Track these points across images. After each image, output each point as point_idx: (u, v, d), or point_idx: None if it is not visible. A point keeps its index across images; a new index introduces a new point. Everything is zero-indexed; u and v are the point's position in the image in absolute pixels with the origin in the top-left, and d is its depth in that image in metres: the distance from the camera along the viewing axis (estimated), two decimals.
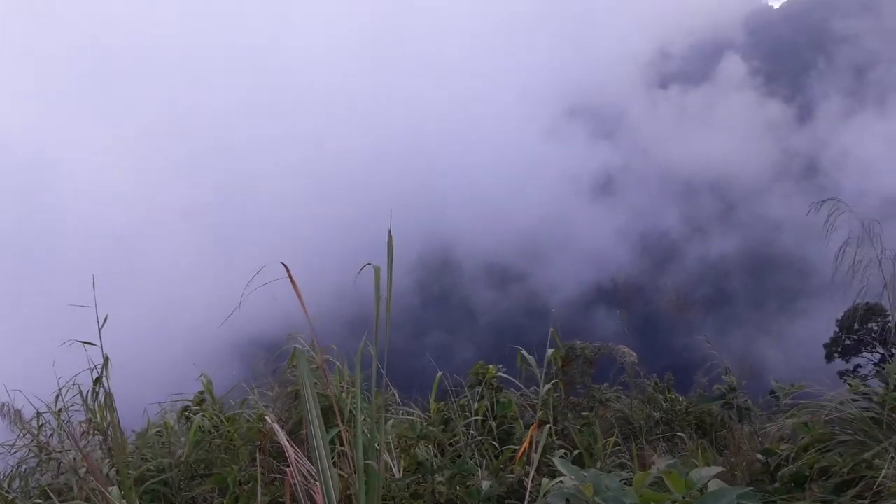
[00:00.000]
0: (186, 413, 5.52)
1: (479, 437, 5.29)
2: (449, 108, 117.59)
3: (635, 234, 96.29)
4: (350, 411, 4.30)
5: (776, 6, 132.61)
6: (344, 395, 4.67)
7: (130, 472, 4.69)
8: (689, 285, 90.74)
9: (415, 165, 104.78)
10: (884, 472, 3.46)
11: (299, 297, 2.86)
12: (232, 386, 5.63)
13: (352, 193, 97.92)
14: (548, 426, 4.61)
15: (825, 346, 37.18)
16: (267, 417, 3.76)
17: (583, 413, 5.75)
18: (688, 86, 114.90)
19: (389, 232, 2.94)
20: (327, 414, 4.19)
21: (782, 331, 74.01)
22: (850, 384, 4.52)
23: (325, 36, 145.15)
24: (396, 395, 5.95)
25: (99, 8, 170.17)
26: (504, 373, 5.74)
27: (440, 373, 5.64)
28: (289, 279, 2.84)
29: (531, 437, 4.28)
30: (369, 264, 2.90)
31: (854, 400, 4.21)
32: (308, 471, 2.68)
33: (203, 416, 5.15)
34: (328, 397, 4.29)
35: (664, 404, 6.64)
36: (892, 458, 3.54)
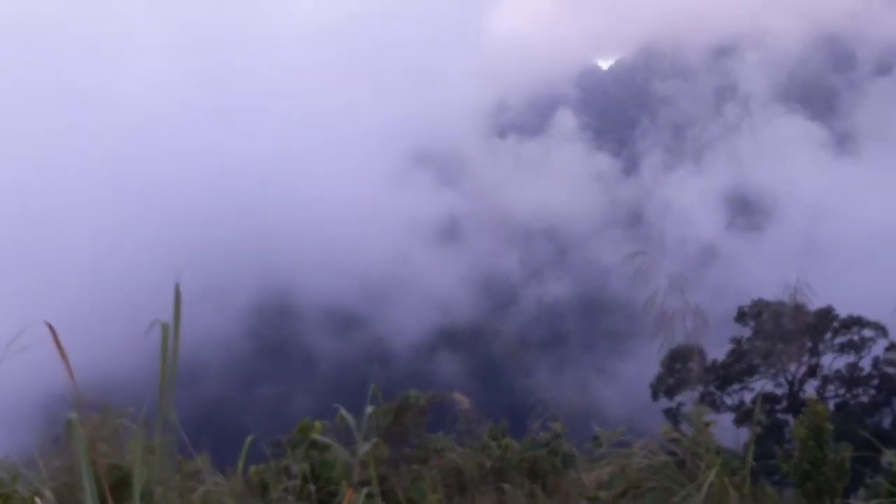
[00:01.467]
0: None
1: None
2: (290, 153, 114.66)
3: (477, 278, 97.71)
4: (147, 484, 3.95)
5: (605, 67, 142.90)
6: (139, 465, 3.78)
7: None
8: (527, 327, 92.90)
9: (252, 210, 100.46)
10: None
11: (64, 358, 2.64)
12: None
13: (179, 239, 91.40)
14: (366, 488, 4.41)
15: (651, 385, 38.04)
16: (40, 496, 3.55)
17: (414, 466, 5.67)
18: (524, 136, 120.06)
19: (177, 288, 2.63)
20: (120, 487, 3.77)
21: (614, 370, 77.06)
22: (663, 429, 4.79)
23: (155, 69, 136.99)
24: (207, 461, 5.50)
25: None
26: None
27: (251, 437, 5.19)
28: (54, 340, 2.61)
29: (348, 501, 4.18)
30: (158, 321, 2.59)
31: (671, 441, 4.50)
32: None
33: None
34: (121, 468, 3.94)
35: (497, 451, 6.63)
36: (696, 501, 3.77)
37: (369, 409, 5.39)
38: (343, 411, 5.42)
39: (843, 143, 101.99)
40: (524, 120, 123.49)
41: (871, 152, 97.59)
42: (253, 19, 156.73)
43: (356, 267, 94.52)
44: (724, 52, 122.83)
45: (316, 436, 5.56)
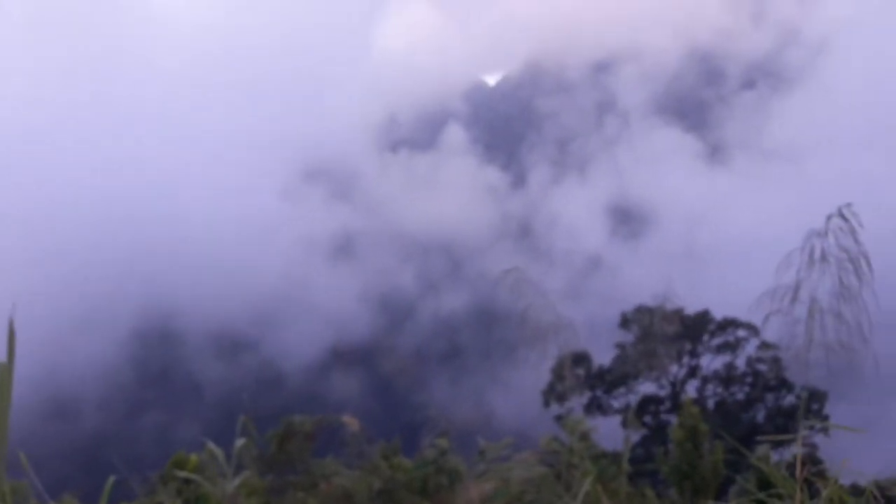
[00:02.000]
0: None
1: None
2: (174, 170, 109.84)
3: (372, 294, 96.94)
4: None
5: (492, 83, 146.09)
6: None
7: None
8: (424, 342, 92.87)
9: (131, 231, 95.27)
10: None
11: None
12: None
13: (52, 262, 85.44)
14: None
15: (542, 393, 38.57)
16: None
17: (300, 494, 5.62)
18: (415, 151, 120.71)
19: (11, 325, 2.26)
20: None
21: (509, 380, 78.14)
22: (543, 440, 5.15)
23: (30, 80, 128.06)
24: (74, 501, 5.59)
25: None
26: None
27: (113, 477, 4.61)
28: None
29: None
30: None
31: (553, 453, 4.71)
32: None
33: None
34: None
35: (387, 472, 6.56)
36: None
37: (239, 441, 5.14)
38: (211, 445, 5.16)
39: (715, 153, 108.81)
40: (415, 135, 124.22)
41: (740, 162, 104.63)
42: (135, 30, 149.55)
43: (244, 287, 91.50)
44: (603, 67, 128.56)
45: (183, 473, 5.24)
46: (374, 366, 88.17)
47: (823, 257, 6.08)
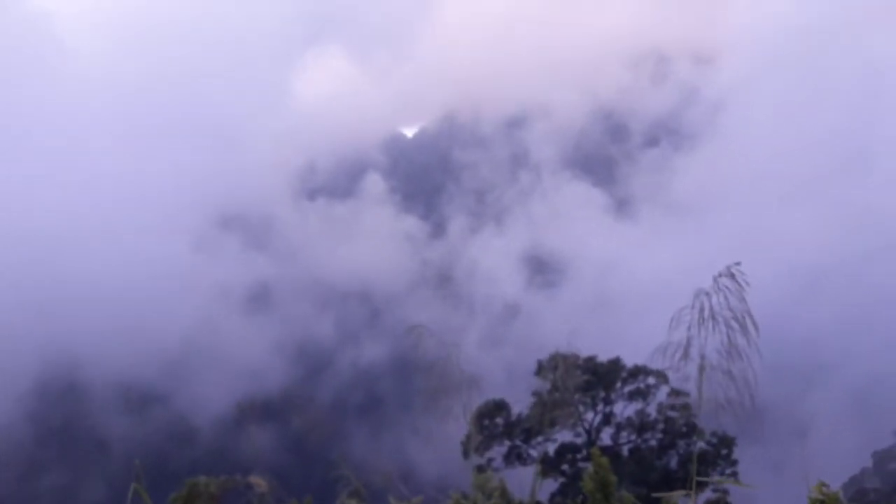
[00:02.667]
0: None
1: None
2: (83, 221, 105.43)
3: (289, 344, 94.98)
4: None
5: (410, 135, 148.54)
6: None
7: None
8: (342, 393, 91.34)
9: (34, 282, 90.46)
10: None
11: None
12: None
13: None
14: None
15: (461, 443, 38.74)
16: None
17: None
18: (334, 199, 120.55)
19: None
20: None
21: (430, 430, 77.60)
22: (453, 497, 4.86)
23: None
24: None
25: None
26: None
27: None
28: None
29: None
30: None
31: None
32: None
33: None
34: None
35: None
36: None
37: None
38: None
39: (622, 206, 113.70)
40: (333, 183, 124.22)
41: (645, 214, 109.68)
42: (47, 78, 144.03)
43: (154, 339, 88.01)
44: (516, 122, 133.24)
45: None
46: (289, 419, 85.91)
47: (712, 315, 6.75)
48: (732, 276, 6.92)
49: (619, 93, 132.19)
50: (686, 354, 6.53)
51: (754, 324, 6.52)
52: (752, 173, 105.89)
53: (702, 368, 6.45)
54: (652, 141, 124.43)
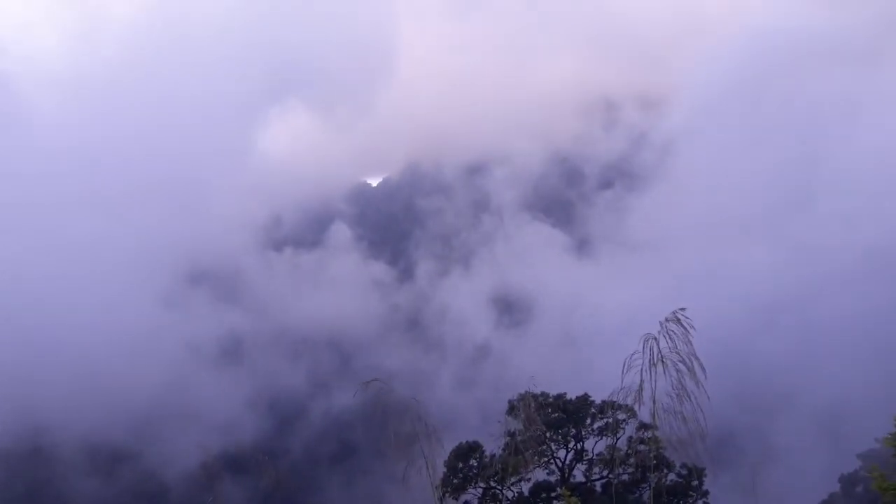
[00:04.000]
0: None
1: None
2: (47, 282, 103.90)
3: (260, 396, 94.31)
4: None
5: (374, 184, 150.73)
6: None
7: None
8: (316, 443, 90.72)
9: None
10: None
11: None
12: None
13: None
14: None
15: (436, 488, 39.39)
16: None
17: None
18: (301, 249, 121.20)
19: None
20: None
21: (405, 476, 77.27)
22: None
23: None
24: None
25: None
26: None
27: None
28: None
29: None
30: None
31: None
32: None
33: None
34: None
35: None
36: None
37: None
38: None
39: (582, 247, 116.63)
40: (300, 234, 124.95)
41: (604, 254, 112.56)
42: (5, 135, 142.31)
43: (122, 399, 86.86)
44: (475, 169, 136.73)
45: None
46: (262, 472, 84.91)
47: (661, 359, 7.51)
48: (678, 320, 7.72)
49: (572, 138, 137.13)
50: (639, 398, 7.28)
51: (701, 366, 7.23)
52: (704, 212, 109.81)
53: (654, 411, 7.23)
54: (606, 183, 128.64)
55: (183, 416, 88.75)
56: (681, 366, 7.26)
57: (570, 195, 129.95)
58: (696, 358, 7.22)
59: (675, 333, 7.45)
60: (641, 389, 6.45)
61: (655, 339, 6.71)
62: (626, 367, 7.01)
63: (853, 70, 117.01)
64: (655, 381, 6.66)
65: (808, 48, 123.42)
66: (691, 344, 7.24)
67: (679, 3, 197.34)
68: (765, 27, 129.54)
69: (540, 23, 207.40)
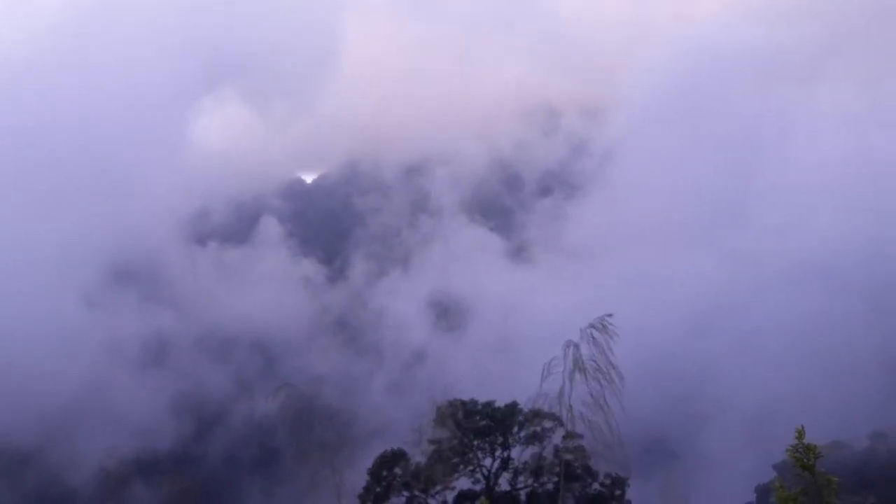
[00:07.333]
0: None
1: None
2: None
3: (178, 398, 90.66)
4: None
5: (308, 180, 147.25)
6: None
7: None
8: (236, 447, 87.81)
9: None
10: None
11: None
12: None
13: None
14: None
15: (359, 496, 37.74)
16: None
17: None
18: (227, 244, 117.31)
19: None
20: None
21: (329, 483, 75.14)
22: None
23: None
24: None
25: None
26: None
27: None
28: None
29: None
30: None
31: None
32: None
33: None
34: None
35: None
36: None
37: None
38: None
39: (520, 252, 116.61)
40: (228, 229, 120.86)
41: (542, 259, 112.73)
42: None
43: (34, 399, 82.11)
44: (415, 170, 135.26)
45: None
46: (181, 476, 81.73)
47: (581, 367, 6.90)
48: (604, 327, 6.97)
49: (513, 143, 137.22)
50: (560, 404, 6.63)
51: (619, 374, 6.65)
52: (641, 220, 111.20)
53: (569, 420, 6.51)
54: (545, 190, 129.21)
55: (97, 419, 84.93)
56: (598, 374, 6.30)
57: (509, 200, 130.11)
58: (614, 367, 6.32)
59: (597, 340, 6.52)
60: (561, 395, 5.73)
61: (576, 345, 5.83)
62: (545, 372, 6.14)
63: (789, 87, 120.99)
64: (572, 388, 5.81)
65: (747, 64, 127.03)
66: (612, 351, 6.33)
67: (625, 15, 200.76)
68: (706, 42, 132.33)
69: (486, 27, 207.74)
